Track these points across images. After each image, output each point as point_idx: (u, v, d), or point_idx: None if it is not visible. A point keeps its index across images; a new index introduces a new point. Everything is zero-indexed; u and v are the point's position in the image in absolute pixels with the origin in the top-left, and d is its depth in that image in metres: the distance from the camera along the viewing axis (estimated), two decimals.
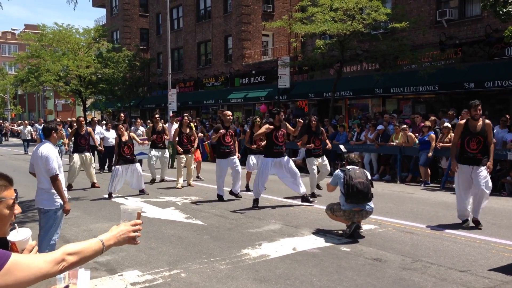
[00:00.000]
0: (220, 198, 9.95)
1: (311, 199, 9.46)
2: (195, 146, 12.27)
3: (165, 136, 13.08)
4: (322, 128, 10.94)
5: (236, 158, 10.07)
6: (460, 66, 16.67)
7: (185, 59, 34.66)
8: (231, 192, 10.12)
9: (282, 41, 30.24)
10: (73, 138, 12.52)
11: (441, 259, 5.63)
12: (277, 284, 4.90)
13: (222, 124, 10.39)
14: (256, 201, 9.14)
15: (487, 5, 12.35)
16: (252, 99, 27.36)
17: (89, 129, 13.13)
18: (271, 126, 9.17)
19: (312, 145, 10.11)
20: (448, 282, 4.87)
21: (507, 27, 12.56)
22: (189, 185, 12.01)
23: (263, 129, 9.32)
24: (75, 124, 13.89)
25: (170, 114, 22.28)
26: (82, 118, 13.01)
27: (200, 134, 12.99)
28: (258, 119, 11.72)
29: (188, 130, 12.03)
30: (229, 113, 10.45)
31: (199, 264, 5.58)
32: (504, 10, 11.70)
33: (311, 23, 17.37)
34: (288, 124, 10.09)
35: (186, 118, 12.21)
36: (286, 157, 9.33)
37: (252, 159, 11.23)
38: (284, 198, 10.12)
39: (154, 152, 12.88)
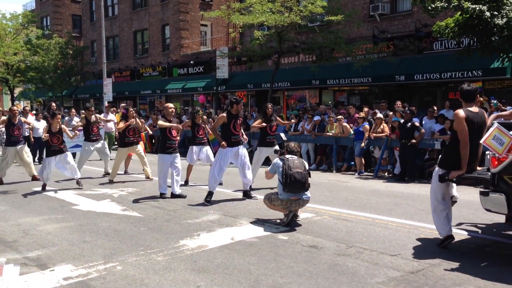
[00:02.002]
0: (162, 196, 9.20)
1: (252, 195, 9.05)
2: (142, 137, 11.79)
3: (102, 125, 12.52)
4: (277, 117, 10.70)
5: (178, 155, 9.49)
6: (391, 59, 17.34)
7: (121, 47, 33.67)
8: (172, 195, 9.25)
9: (220, 32, 30.09)
10: (3, 129, 11.79)
11: (374, 245, 5.85)
12: (216, 274, 4.90)
13: (164, 117, 9.62)
14: (210, 194, 8.59)
15: (417, 0, 12.86)
16: (190, 90, 27.09)
17: (23, 119, 12.33)
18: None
19: (264, 124, 9.95)
20: (380, 266, 5.07)
21: (435, 22, 13.17)
22: (147, 177, 11.50)
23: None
24: (6, 114, 13.03)
25: (106, 104, 21.62)
26: (15, 108, 12.24)
27: (145, 127, 12.25)
28: (201, 111, 11.25)
29: (134, 122, 11.48)
30: (171, 105, 9.73)
31: (135, 257, 5.47)
32: (433, 6, 12.23)
33: (250, 13, 17.40)
34: (279, 118, 10.54)
35: (132, 110, 11.77)
36: (242, 147, 8.90)
37: (194, 151, 10.72)
38: (235, 191, 9.72)
39: (91, 146, 12.02)
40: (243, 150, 8.86)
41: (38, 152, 15.07)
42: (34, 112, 19.51)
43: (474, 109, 5.50)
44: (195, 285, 4.61)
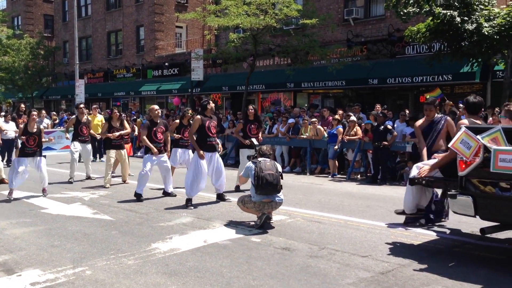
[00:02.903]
0: (137, 197, 9.08)
1: (226, 198, 8.99)
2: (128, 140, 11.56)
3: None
4: (260, 119, 10.74)
5: (165, 156, 9.46)
6: (365, 63, 17.57)
7: (94, 48, 33.23)
8: (164, 193, 9.46)
9: (196, 34, 29.99)
10: None
11: (345, 246, 5.90)
12: (187, 277, 4.87)
13: (150, 120, 9.55)
14: (189, 200, 8.47)
15: (390, 5, 13.10)
16: (165, 92, 26.92)
17: None
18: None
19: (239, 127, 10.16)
20: (351, 267, 5.12)
21: (408, 27, 13.41)
22: (124, 181, 11.27)
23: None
24: None
25: (93, 106, 21.23)
26: None
27: (128, 130, 11.87)
28: (190, 111, 10.86)
29: (118, 124, 11.25)
30: (157, 107, 9.71)
31: (106, 261, 5.39)
32: (405, 11, 12.48)
33: (225, 16, 17.40)
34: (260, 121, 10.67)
35: (116, 111, 11.51)
36: (217, 152, 8.83)
37: (178, 153, 10.46)
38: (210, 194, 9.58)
39: (79, 146, 11.69)
40: (216, 155, 8.82)
41: (6, 154, 14.70)
42: (3, 113, 19.04)
43: (479, 121, 5.80)
44: None
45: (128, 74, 30.29)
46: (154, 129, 9.35)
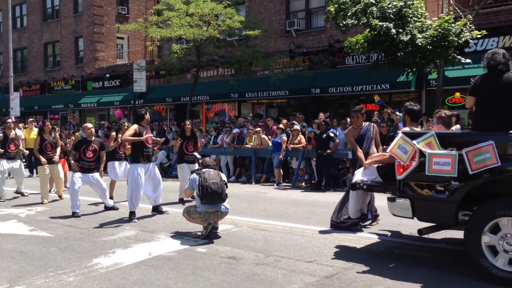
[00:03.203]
0: (75, 216, 8.69)
1: (163, 210, 8.85)
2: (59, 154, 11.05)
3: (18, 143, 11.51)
4: (197, 134, 10.76)
5: (96, 175, 9.16)
6: (307, 73, 17.93)
7: (30, 60, 31.98)
8: (105, 207, 9.29)
9: (138, 45, 29.55)
10: None
11: (291, 252, 5.96)
12: None
13: (83, 139, 9.37)
14: (132, 213, 8.28)
15: (329, 17, 13.48)
16: (106, 104, 26.27)
17: None
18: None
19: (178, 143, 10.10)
20: (297, 273, 5.17)
21: (347, 38, 13.84)
22: (60, 197, 10.73)
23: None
24: None
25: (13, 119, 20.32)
26: None
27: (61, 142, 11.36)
28: (126, 123, 10.69)
29: (51, 137, 10.81)
30: (90, 125, 9.53)
31: (44, 278, 5.15)
32: (344, 23, 12.88)
33: (167, 27, 17.27)
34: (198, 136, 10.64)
35: (48, 123, 11.03)
36: (154, 163, 8.75)
37: (116, 166, 10.21)
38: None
39: (6, 164, 10.98)
40: (153, 166, 8.72)
41: None
42: None
43: (418, 128, 6.20)
44: None
45: (66, 86, 29.33)
46: (84, 147, 9.12)
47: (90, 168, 9.12)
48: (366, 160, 6.72)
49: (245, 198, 10.58)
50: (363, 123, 7.45)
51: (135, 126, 8.46)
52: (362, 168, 6.54)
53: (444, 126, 5.86)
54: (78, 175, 8.99)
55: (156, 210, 8.84)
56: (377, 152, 7.21)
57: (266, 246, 6.30)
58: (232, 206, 7.84)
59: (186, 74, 20.78)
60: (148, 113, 8.88)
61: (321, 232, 7.06)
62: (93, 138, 9.38)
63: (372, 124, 7.55)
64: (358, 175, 6.44)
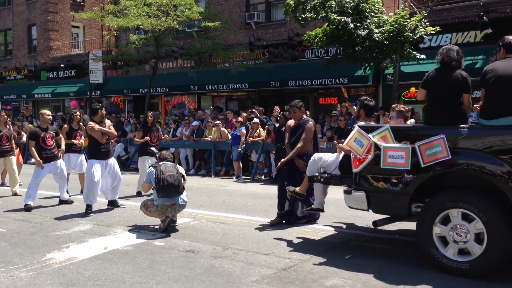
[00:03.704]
0: (27, 208, 8.45)
1: (119, 204, 8.71)
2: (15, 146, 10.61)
3: None
4: (158, 126, 10.71)
5: (60, 162, 8.96)
6: (267, 66, 17.97)
7: None
8: (60, 201, 9.05)
9: (94, 34, 28.78)
10: None
11: (249, 245, 5.98)
12: (86, 286, 4.64)
13: (37, 127, 9.06)
14: (89, 207, 8.11)
15: (288, 10, 13.52)
16: (61, 95, 25.51)
17: None
18: (147, 138, 9.72)
19: (148, 138, 9.97)
20: (255, 265, 5.20)
21: (306, 32, 13.94)
22: (15, 194, 10.15)
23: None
24: None
25: None
26: None
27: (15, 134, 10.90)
28: (78, 113, 10.41)
29: (7, 129, 10.37)
30: (48, 112, 9.24)
31: None
32: (303, 16, 12.95)
33: (125, 16, 16.89)
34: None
35: (4, 114, 10.55)
36: (112, 158, 8.60)
37: (71, 158, 9.85)
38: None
39: None
40: (112, 160, 8.59)
41: None
42: None
43: (372, 122, 6.36)
44: None
45: (19, 76, 28.29)
46: (42, 135, 8.84)
47: (53, 155, 8.90)
48: (288, 149, 7.19)
49: (204, 191, 10.54)
50: (303, 117, 7.44)
51: (91, 123, 8.34)
52: (331, 155, 6.44)
53: (404, 120, 6.01)
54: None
55: (113, 204, 8.68)
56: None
57: (224, 239, 6.30)
58: (191, 199, 7.81)
59: (144, 65, 20.45)
60: (103, 109, 8.73)
61: (282, 225, 7.12)
62: (47, 125, 9.14)
63: (308, 121, 7.36)
64: (311, 166, 6.37)
